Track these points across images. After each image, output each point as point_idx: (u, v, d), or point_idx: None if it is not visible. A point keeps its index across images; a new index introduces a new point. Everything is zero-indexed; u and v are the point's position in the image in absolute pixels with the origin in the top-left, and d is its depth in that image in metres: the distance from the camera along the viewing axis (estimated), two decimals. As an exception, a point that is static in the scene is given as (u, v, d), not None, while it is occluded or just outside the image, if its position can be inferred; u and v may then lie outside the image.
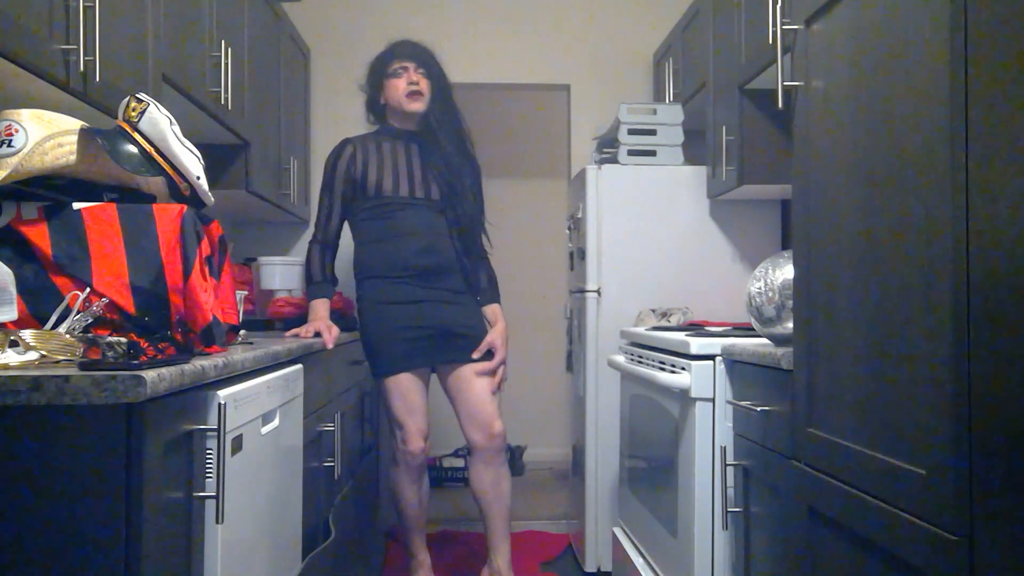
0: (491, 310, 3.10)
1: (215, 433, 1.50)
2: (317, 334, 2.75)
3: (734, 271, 3.45)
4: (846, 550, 1.55)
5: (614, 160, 3.55)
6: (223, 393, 1.53)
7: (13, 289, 1.45)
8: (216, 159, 3.04)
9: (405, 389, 2.98)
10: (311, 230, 4.35)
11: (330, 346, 2.71)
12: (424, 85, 3.01)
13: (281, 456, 1.97)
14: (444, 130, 3.02)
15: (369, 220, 3.00)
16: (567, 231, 3.88)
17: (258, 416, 1.76)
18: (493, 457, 3.02)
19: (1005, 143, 1.19)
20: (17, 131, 1.56)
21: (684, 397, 2.37)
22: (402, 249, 2.96)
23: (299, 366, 2.19)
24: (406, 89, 2.99)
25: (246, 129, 3.07)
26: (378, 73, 3.07)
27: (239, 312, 2.01)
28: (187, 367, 1.37)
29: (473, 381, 3.00)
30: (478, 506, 3.09)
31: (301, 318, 3.18)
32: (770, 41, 2.37)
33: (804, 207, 1.75)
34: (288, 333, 2.78)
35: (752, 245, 3.46)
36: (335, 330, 2.82)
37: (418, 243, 2.96)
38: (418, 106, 3.00)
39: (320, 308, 2.94)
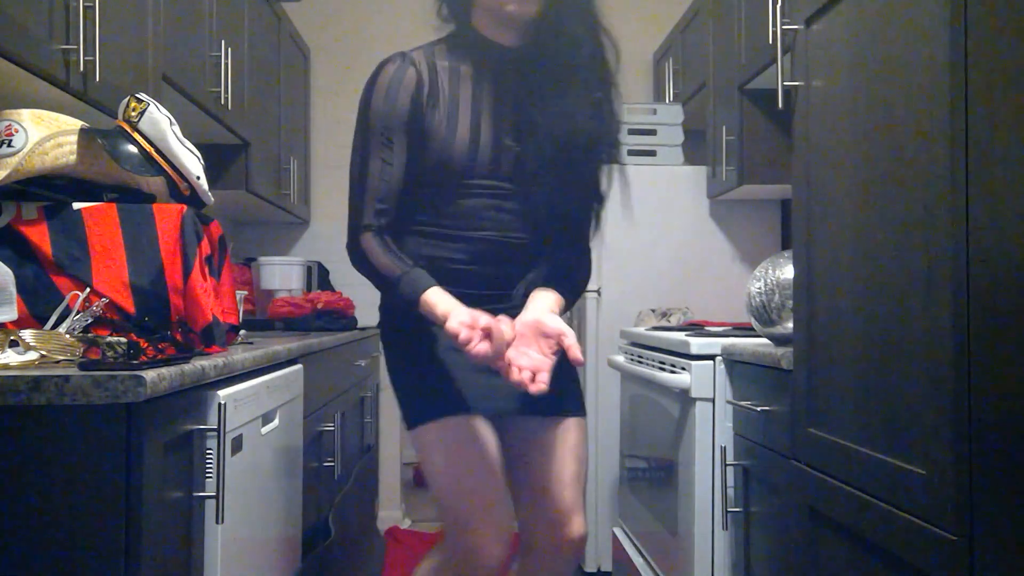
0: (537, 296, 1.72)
1: (215, 433, 1.50)
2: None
3: (734, 271, 3.45)
4: (846, 550, 1.55)
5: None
6: (223, 393, 1.53)
7: (13, 289, 1.45)
8: (216, 159, 3.04)
9: (465, 443, 1.70)
10: (311, 230, 4.40)
11: (509, 336, 1.56)
12: None
13: (281, 456, 1.97)
14: (558, 45, 1.74)
15: (419, 207, 1.77)
16: (567, 231, 3.87)
17: (258, 416, 1.76)
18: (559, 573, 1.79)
19: (1005, 143, 1.19)
20: (17, 131, 1.56)
21: (684, 397, 2.36)
22: (458, 265, 1.76)
23: (299, 366, 2.19)
24: None
25: (246, 129, 3.06)
26: None
27: (239, 312, 2.01)
28: (187, 367, 1.37)
29: (556, 441, 1.78)
30: None
31: (302, 318, 3.17)
32: (770, 41, 2.37)
33: (804, 207, 1.75)
34: (460, 338, 1.50)
35: (752, 245, 3.46)
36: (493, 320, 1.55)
37: (484, 268, 1.77)
38: (527, 8, 1.71)
39: (446, 297, 1.62)
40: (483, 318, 1.52)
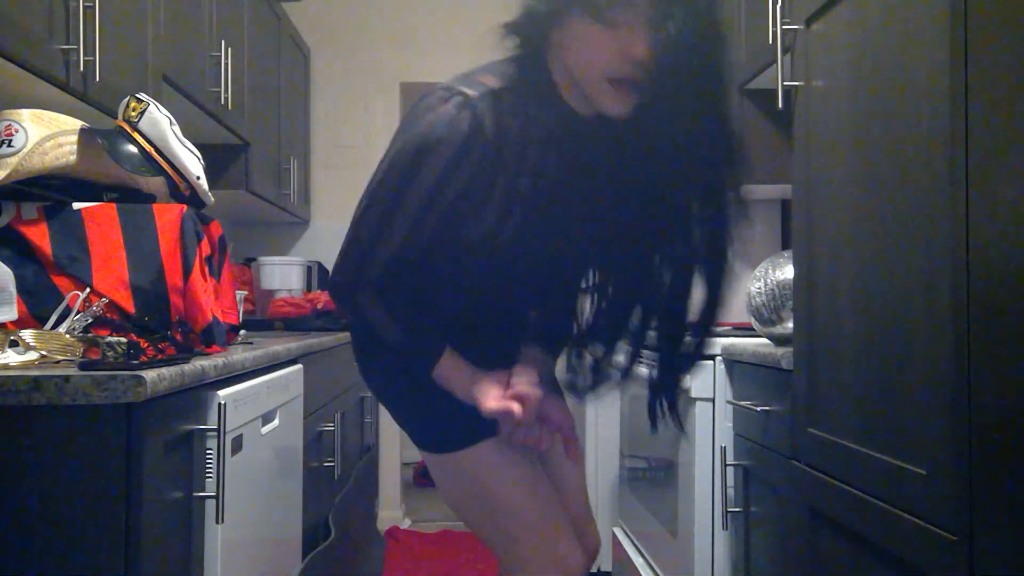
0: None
1: (215, 433, 1.50)
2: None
3: (734, 271, 3.44)
4: (846, 550, 1.55)
5: (614, 160, 3.54)
6: (223, 393, 1.53)
7: (13, 289, 1.45)
8: (216, 159, 3.04)
9: (524, 457, 1.56)
10: (311, 230, 4.40)
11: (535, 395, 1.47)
12: (647, 54, 1.29)
13: (281, 456, 1.97)
14: (671, 125, 1.33)
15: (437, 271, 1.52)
16: (567, 231, 3.87)
17: (258, 416, 1.76)
18: None
19: (1005, 143, 1.19)
20: (17, 131, 1.56)
21: (684, 397, 2.36)
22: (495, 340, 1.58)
23: (299, 366, 2.19)
24: (614, 63, 1.32)
25: (246, 129, 3.07)
26: None
27: (239, 312, 2.01)
28: (187, 367, 1.37)
29: (561, 448, 1.69)
30: None
31: (301, 318, 3.17)
32: (770, 41, 2.37)
33: (804, 207, 1.75)
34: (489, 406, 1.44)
35: (752, 245, 3.45)
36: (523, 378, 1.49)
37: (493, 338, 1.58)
38: (620, 109, 1.36)
39: (459, 371, 1.48)
40: (513, 389, 1.44)
